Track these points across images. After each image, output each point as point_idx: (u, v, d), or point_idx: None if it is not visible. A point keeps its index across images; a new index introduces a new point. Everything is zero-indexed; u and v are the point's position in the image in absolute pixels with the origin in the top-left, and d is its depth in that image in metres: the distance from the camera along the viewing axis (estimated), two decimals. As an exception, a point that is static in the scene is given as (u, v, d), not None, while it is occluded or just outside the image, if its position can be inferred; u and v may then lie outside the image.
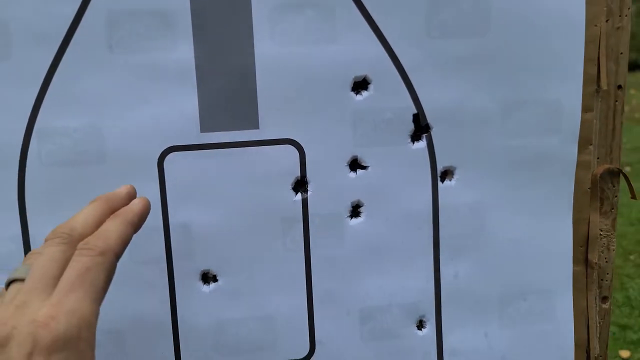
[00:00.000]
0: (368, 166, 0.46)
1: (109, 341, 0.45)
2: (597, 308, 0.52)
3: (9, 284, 0.34)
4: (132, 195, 0.40)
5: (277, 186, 0.45)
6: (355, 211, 0.46)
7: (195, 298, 0.45)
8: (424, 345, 0.48)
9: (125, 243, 0.36)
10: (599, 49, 0.48)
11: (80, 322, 0.32)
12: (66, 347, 0.31)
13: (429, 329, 0.48)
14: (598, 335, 0.53)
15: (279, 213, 0.45)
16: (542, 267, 0.49)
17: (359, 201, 0.46)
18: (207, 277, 0.46)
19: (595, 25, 0.47)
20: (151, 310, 0.45)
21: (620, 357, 2.16)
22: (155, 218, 0.44)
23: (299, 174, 0.45)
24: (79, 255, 0.34)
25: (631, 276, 2.76)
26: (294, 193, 0.45)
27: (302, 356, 0.47)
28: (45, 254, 0.34)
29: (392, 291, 0.47)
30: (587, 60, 0.47)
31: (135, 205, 0.38)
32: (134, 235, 0.39)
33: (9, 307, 0.32)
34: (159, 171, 0.44)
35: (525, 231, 0.48)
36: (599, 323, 0.53)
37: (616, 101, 0.50)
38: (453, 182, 0.47)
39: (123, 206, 0.38)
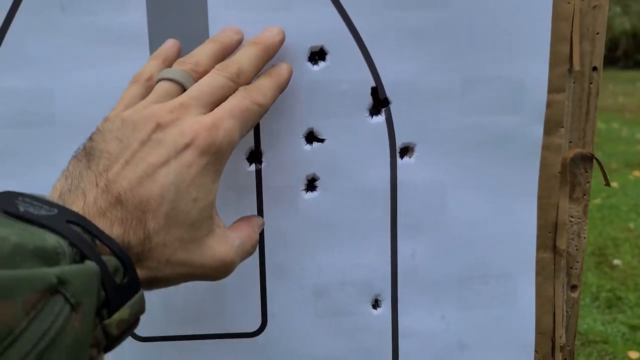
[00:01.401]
0: (324, 139, 0.45)
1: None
2: (565, 296, 0.51)
3: (160, 79, 0.38)
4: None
5: (231, 156, 0.44)
6: (310, 185, 0.45)
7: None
8: (378, 324, 0.47)
9: (272, 103, 0.40)
10: (572, 27, 0.46)
11: (231, 143, 0.36)
12: (214, 155, 0.35)
13: (384, 308, 0.47)
14: (565, 324, 0.51)
15: (232, 183, 0.44)
16: (503, 250, 0.47)
17: (314, 174, 0.45)
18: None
19: (569, 3, 0.45)
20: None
21: (629, 358, 2.13)
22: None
23: (253, 144, 0.44)
24: (242, 97, 0.37)
25: (647, 277, 2.72)
26: (248, 163, 0.45)
27: (254, 330, 0.47)
28: (214, 79, 0.37)
29: (347, 268, 0.46)
30: (558, 38, 0.45)
31: (286, 70, 0.41)
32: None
33: (174, 101, 0.36)
34: (110, 136, 0.43)
35: (486, 212, 0.47)
36: (567, 312, 0.51)
37: (591, 83, 0.48)
38: (412, 159, 0.46)
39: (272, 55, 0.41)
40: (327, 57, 0.43)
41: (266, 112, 0.39)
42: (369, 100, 0.44)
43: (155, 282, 0.35)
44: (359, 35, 0.43)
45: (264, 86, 0.39)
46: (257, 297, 0.46)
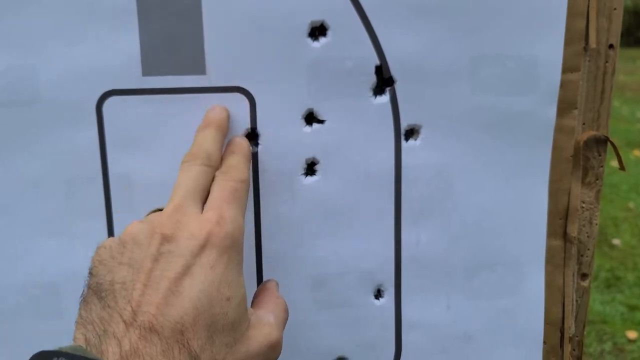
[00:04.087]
0: (325, 120, 0.42)
1: (45, 294, 0.42)
2: (575, 285, 0.49)
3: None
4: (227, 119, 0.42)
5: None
6: (310, 169, 0.43)
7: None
8: (381, 315, 0.45)
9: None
10: (588, 2, 0.43)
11: (241, 229, 0.35)
12: (232, 246, 0.34)
13: (387, 299, 0.45)
14: (575, 314, 0.49)
15: (226, 167, 0.42)
16: (512, 237, 0.45)
17: (314, 158, 0.43)
18: (149, 233, 0.43)
19: (586, -25, 0.43)
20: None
21: (627, 338, 2.12)
22: (93, 167, 0.41)
23: (249, 126, 0.42)
24: (223, 180, 0.37)
25: (646, 257, 2.71)
26: (244, 146, 0.42)
27: (250, 321, 0.44)
28: (192, 172, 0.37)
29: (348, 257, 0.44)
30: (574, 14, 0.43)
31: (243, 141, 0.40)
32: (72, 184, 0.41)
33: (167, 208, 0.35)
34: (97, 116, 0.41)
35: (495, 198, 0.44)
36: (577, 301, 0.49)
37: (606, 62, 0.46)
38: (418, 141, 0.43)
39: (226, 130, 0.41)
40: (328, 32, 0.41)
41: (249, 184, 0.39)
42: (372, 79, 0.42)
43: None
44: (362, 9, 0.40)
45: (235, 163, 0.38)
46: (252, 289, 0.44)
